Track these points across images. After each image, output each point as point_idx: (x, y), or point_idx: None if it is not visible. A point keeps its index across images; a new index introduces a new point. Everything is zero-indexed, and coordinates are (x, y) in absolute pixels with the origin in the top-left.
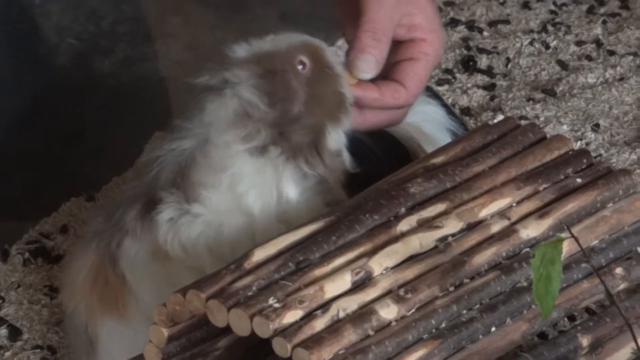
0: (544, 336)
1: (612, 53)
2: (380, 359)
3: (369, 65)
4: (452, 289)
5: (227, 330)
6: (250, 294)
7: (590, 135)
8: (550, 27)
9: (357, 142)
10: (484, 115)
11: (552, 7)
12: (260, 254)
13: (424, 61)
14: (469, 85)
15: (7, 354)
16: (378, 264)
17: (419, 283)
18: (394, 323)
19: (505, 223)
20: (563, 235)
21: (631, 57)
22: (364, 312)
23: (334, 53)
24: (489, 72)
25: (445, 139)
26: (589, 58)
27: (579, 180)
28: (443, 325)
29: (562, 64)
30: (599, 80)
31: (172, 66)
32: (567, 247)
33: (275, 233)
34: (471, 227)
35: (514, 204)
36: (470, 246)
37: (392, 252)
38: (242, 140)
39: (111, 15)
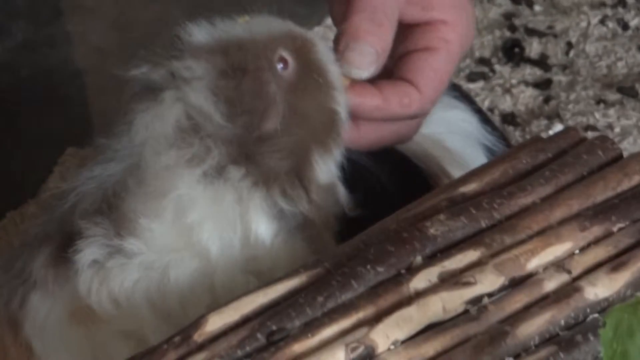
0: None
1: None
2: None
3: (366, 58)
4: None
5: None
6: None
7: None
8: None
9: (355, 167)
10: (535, 124)
11: None
12: (216, 322)
13: (445, 51)
14: (514, 81)
15: None
16: (384, 336)
17: None
18: None
19: (564, 278)
20: None
21: None
22: None
23: (329, 51)
24: (541, 62)
25: (477, 157)
26: None
27: None
28: None
29: None
30: None
31: (91, 53)
32: None
33: (241, 287)
34: (516, 284)
35: (577, 251)
36: (515, 311)
37: (403, 319)
38: (186, 163)
39: None
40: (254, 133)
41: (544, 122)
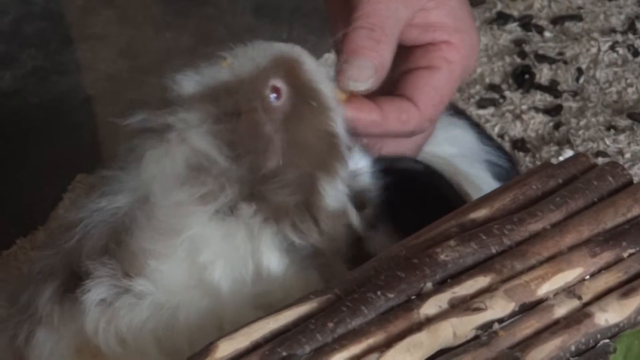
0: None
1: None
2: None
3: (364, 72)
4: None
5: None
6: None
7: None
8: None
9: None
10: (545, 150)
11: None
12: (226, 348)
13: (446, 71)
14: (524, 107)
15: None
16: None
17: None
18: None
19: (574, 304)
20: None
21: None
22: None
23: (317, 67)
24: (552, 89)
25: (484, 178)
26: None
27: None
28: None
29: None
30: None
31: (100, 80)
32: None
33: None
34: (526, 310)
35: (587, 277)
36: (525, 336)
37: (414, 344)
38: (199, 200)
39: (15, 10)
40: (259, 172)
41: (554, 148)
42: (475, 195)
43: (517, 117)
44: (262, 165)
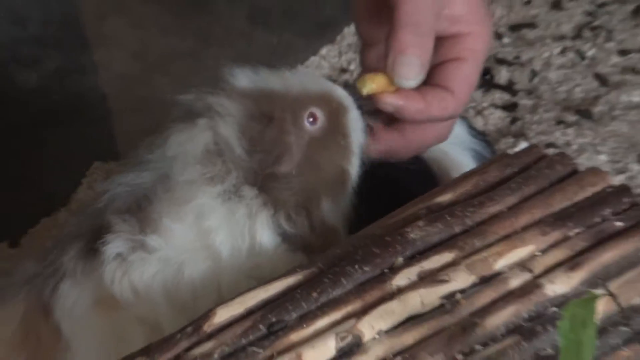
0: None
1: None
2: None
3: (413, 69)
4: (460, 357)
5: None
6: None
7: (634, 167)
8: (586, 33)
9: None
10: (503, 142)
11: (589, 8)
12: (223, 314)
13: (472, 60)
14: (485, 104)
15: None
16: (369, 327)
17: (419, 350)
18: None
19: (526, 276)
20: (598, 291)
21: None
22: None
23: (359, 119)
24: (509, 88)
25: (469, 165)
26: (634, 71)
27: (618, 223)
28: None
29: (601, 79)
30: None
31: (115, 79)
32: (603, 307)
33: (244, 289)
34: (485, 282)
35: (538, 253)
36: (484, 305)
37: (386, 312)
38: (207, 180)
39: (38, 16)
40: (267, 170)
41: (510, 140)
42: None
43: (479, 112)
44: (274, 166)
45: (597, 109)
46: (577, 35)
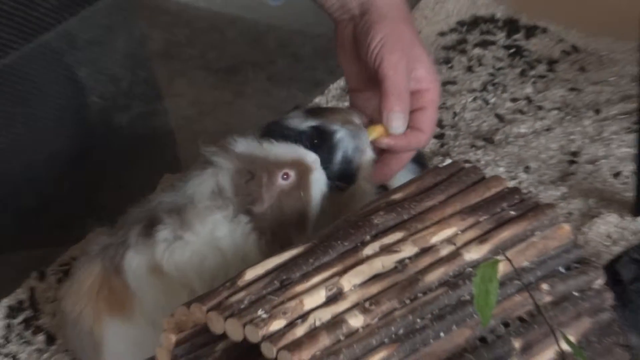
0: (484, 340)
1: (540, 108)
2: (349, 359)
3: (400, 121)
4: (408, 302)
5: (224, 336)
6: (242, 306)
7: (522, 175)
8: (490, 87)
9: None
10: (435, 159)
11: (491, 70)
12: (250, 274)
13: (432, 108)
14: None
15: (44, 356)
16: (348, 282)
17: (381, 297)
18: (360, 330)
19: (452, 248)
20: (499, 257)
21: (556, 112)
22: (336, 321)
23: (320, 176)
24: (439, 124)
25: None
26: (521, 112)
27: (512, 212)
28: (401, 331)
29: (500, 117)
30: (529, 130)
31: (178, 120)
32: (503, 268)
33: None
34: (424, 251)
35: (459, 232)
36: (423, 267)
37: (359, 272)
38: (217, 208)
39: (128, 78)
40: (248, 208)
41: (440, 158)
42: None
43: None
44: (252, 206)
45: (497, 137)
46: (484, 88)
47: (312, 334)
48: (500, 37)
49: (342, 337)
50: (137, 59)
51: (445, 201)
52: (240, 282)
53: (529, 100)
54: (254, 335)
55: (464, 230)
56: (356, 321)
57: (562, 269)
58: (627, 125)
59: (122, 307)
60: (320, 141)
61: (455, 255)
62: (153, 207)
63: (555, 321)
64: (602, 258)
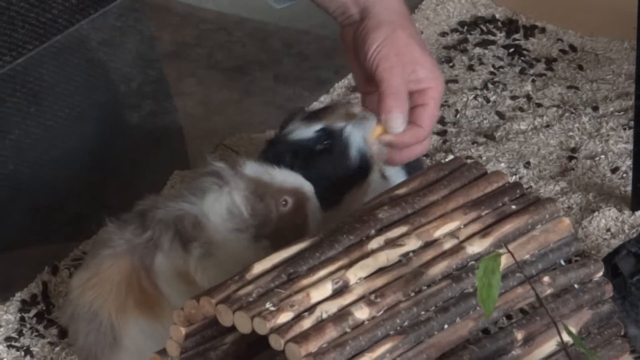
0: (486, 332)
1: (539, 105)
2: (355, 351)
3: (399, 121)
4: (412, 294)
5: (233, 328)
6: (251, 299)
7: (523, 171)
8: (490, 85)
9: None
10: (438, 155)
11: (492, 69)
12: (258, 267)
13: (433, 103)
14: None
15: (57, 349)
16: (353, 275)
17: (386, 290)
18: (366, 322)
19: (455, 241)
20: (501, 250)
21: (555, 109)
22: (342, 314)
23: (315, 205)
24: (441, 121)
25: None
26: (521, 109)
27: (513, 207)
28: (405, 323)
29: (500, 114)
30: (529, 127)
31: (187, 118)
32: (505, 261)
33: None
34: (428, 245)
35: (462, 226)
36: (427, 260)
37: (364, 265)
38: (240, 231)
39: (139, 78)
40: (261, 227)
41: (443, 154)
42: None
43: None
44: (263, 227)
45: (498, 134)
46: (484, 87)
47: (319, 326)
48: (500, 37)
49: (348, 329)
50: (147, 60)
51: (448, 196)
52: (249, 276)
53: (528, 98)
54: (262, 327)
55: (466, 224)
56: (362, 313)
57: (562, 262)
58: (625, 121)
59: (152, 306)
60: (331, 141)
61: (458, 248)
62: (177, 214)
63: (557, 313)
64: (602, 251)
